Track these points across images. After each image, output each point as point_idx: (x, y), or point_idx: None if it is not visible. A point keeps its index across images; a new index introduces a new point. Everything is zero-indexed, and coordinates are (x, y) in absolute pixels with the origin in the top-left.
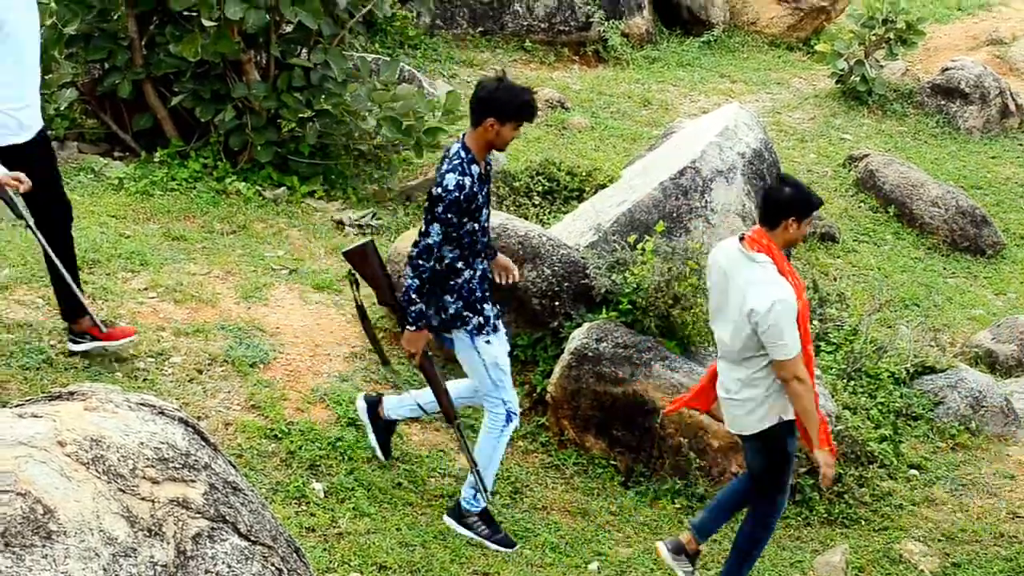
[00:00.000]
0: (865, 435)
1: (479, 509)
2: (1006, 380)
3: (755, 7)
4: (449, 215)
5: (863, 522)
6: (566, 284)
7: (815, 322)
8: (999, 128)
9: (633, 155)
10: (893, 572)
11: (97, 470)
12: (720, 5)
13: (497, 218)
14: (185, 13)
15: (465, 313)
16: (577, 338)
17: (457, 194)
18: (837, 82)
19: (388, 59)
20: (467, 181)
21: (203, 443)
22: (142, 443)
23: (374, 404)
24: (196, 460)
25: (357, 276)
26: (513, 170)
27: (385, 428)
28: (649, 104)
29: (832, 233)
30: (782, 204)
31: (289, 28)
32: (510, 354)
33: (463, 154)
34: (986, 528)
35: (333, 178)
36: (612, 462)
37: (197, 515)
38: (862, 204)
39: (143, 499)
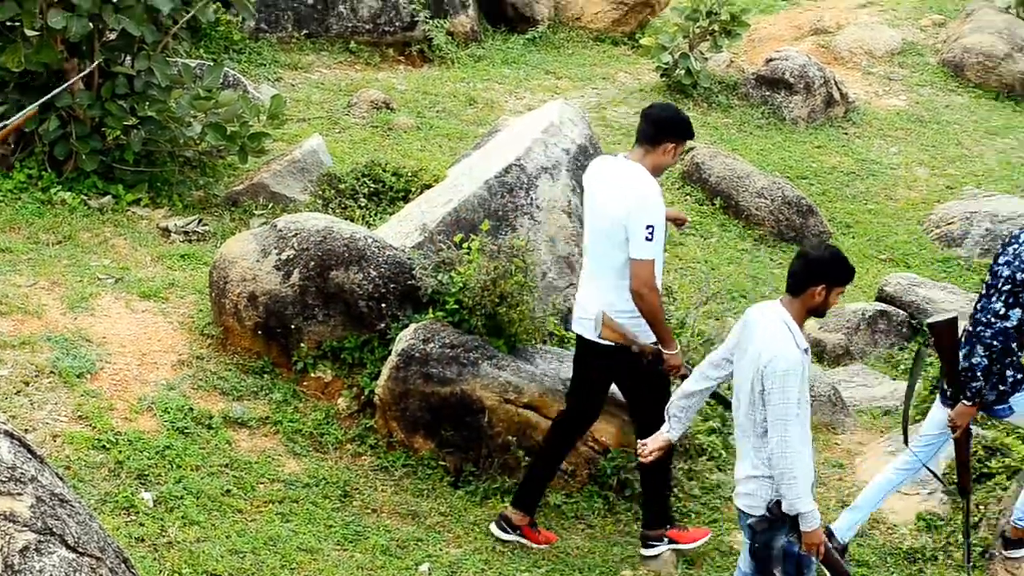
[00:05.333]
0: (693, 428)
1: None
2: (833, 369)
3: (579, 3)
4: None
5: (693, 515)
6: (392, 285)
7: None
8: (824, 117)
9: (459, 154)
10: (724, 564)
11: None
12: (545, 2)
13: (322, 221)
14: (7, 23)
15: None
16: (404, 339)
17: None
18: (662, 76)
19: (212, 64)
20: None
21: (29, 456)
22: None
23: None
24: (22, 473)
25: (932, 348)
26: (339, 172)
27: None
28: (475, 103)
29: None
30: None
31: (113, 36)
32: (338, 357)
33: None
34: None
35: (159, 185)
36: (441, 462)
37: (24, 528)
38: (688, 197)
39: None
